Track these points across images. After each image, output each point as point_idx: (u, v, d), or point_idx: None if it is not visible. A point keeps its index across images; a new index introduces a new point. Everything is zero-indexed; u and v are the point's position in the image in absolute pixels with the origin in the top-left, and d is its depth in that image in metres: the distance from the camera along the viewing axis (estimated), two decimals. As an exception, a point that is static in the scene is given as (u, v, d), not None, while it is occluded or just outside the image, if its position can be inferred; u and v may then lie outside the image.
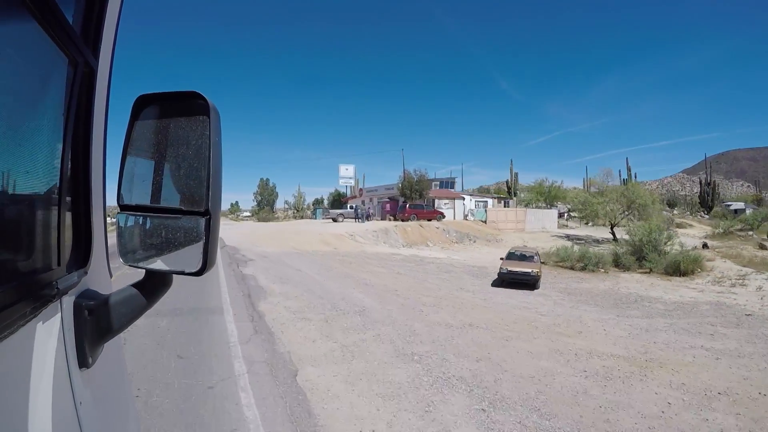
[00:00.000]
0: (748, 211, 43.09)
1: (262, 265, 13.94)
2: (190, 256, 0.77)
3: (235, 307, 7.77)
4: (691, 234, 27.25)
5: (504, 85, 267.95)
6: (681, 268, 15.72)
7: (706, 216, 48.60)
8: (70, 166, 0.74)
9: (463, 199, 37.42)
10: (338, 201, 51.45)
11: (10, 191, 0.62)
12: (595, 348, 6.56)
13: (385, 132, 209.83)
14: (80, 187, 0.77)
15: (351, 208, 35.44)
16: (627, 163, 63.45)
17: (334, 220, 34.10)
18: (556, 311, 9.61)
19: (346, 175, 48.41)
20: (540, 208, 40.16)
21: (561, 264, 17.68)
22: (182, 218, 0.79)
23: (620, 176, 46.25)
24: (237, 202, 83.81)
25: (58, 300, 0.68)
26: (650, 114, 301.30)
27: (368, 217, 34.99)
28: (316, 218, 51.68)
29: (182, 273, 0.79)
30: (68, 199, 0.74)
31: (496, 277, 14.82)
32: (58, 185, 0.71)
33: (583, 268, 17.32)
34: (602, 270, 17.41)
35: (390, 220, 34.96)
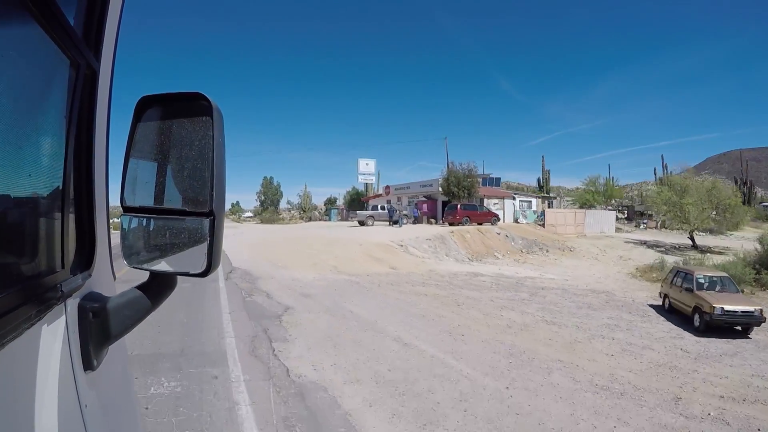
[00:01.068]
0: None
1: (315, 324, 8.04)
2: (195, 257, 0.78)
3: None
4: (751, 238, 22.45)
5: (505, 86, 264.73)
6: None
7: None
8: (72, 168, 0.76)
9: (513, 198, 31.84)
10: (356, 200, 45.66)
11: (14, 194, 0.64)
12: None
13: (387, 132, 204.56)
14: (83, 189, 0.80)
15: (382, 209, 29.27)
16: (662, 160, 57.97)
17: (362, 224, 28.32)
18: None
19: (366, 170, 42.66)
20: (581, 208, 34.87)
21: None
22: (186, 219, 0.81)
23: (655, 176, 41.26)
24: (238, 202, 78.13)
25: (63, 303, 0.70)
26: (651, 114, 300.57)
27: (416, 219, 29.07)
28: (330, 220, 45.48)
29: (187, 274, 0.81)
30: (71, 201, 0.76)
31: (649, 308, 12.07)
32: (61, 188, 0.73)
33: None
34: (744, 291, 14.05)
35: (431, 223, 28.96)
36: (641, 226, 39.56)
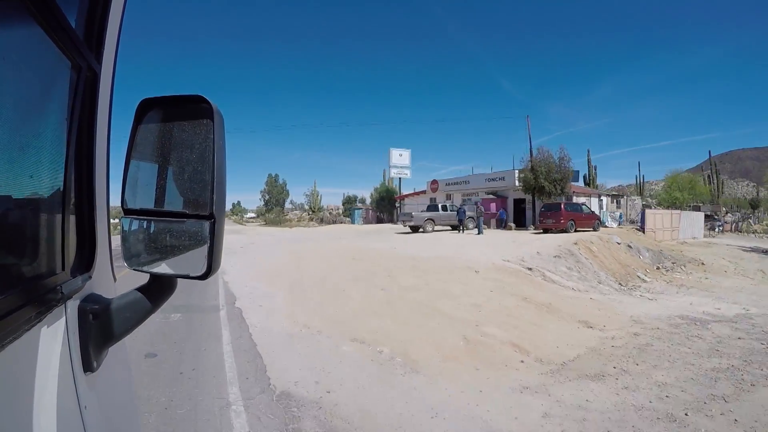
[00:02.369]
0: None
1: None
2: (195, 259, 0.81)
3: None
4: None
5: (507, 87, 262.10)
6: None
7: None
8: (73, 170, 0.80)
9: (599, 197, 26.27)
10: (386, 199, 39.09)
11: (15, 196, 0.67)
12: None
13: (390, 133, 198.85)
14: (84, 191, 0.84)
15: (444, 209, 23.44)
16: (710, 155, 53.44)
17: (416, 229, 22.11)
18: None
19: (400, 162, 37.31)
20: (656, 206, 30.56)
21: None
22: (186, 222, 0.83)
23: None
24: (239, 202, 71.43)
25: (63, 304, 0.73)
26: (653, 114, 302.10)
27: (504, 224, 23.21)
28: (353, 222, 39.17)
29: (187, 277, 0.84)
30: (72, 203, 0.80)
31: None
32: (61, 190, 0.76)
33: None
34: None
35: (509, 228, 23.11)
36: (716, 229, 35.02)
